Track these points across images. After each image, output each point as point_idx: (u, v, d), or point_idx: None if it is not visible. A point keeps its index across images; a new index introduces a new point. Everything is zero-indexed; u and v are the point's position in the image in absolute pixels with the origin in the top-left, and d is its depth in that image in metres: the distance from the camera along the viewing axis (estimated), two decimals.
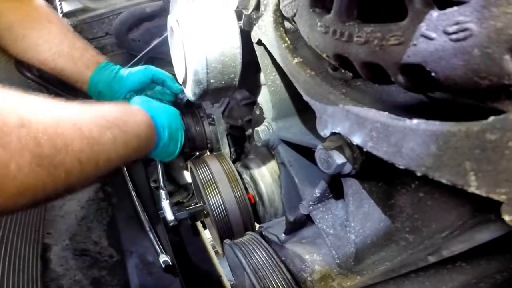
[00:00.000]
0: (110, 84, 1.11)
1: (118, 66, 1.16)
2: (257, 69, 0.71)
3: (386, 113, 0.34)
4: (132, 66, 1.44)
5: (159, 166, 1.19)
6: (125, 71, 1.15)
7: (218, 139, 1.50)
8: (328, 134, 0.44)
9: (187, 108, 1.51)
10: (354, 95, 0.43)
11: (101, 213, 1.16)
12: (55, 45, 1.08)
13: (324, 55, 0.42)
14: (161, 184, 1.16)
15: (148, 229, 1.09)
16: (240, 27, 0.66)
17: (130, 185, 1.23)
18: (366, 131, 0.36)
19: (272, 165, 1.22)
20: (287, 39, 0.53)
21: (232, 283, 1.29)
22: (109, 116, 0.71)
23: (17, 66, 1.21)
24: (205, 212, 1.21)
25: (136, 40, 1.63)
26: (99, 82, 1.11)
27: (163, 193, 1.15)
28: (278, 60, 0.55)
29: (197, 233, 1.54)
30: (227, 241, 0.80)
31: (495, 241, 0.32)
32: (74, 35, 1.14)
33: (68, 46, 1.10)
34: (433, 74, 0.28)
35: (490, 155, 0.25)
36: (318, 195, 0.60)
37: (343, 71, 0.47)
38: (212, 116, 1.50)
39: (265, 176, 1.21)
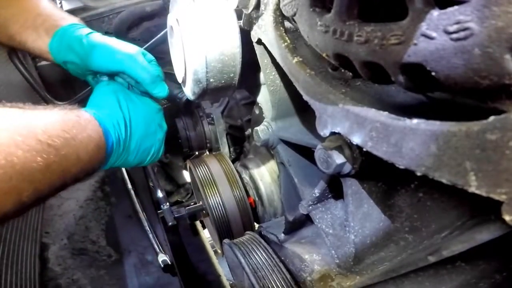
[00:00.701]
0: (78, 53, 0.87)
1: (90, 31, 0.92)
2: (257, 68, 0.71)
3: (386, 113, 0.34)
4: None
5: (150, 171, 1.16)
6: (101, 40, 0.88)
7: (217, 139, 1.50)
8: (327, 134, 0.44)
9: (186, 108, 1.51)
10: (354, 94, 0.43)
11: (100, 213, 1.15)
12: (22, 17, 0.93)
13: (324, 55, 0.42)
14: (159, 193, 1.15)
15: (147, 228, 1.09)
16: (240, 26, 0.66)
17: (128, 185, 1.23)
18: (365, 131, 0.36)
19: (272, 165, 1.22)
20: (287, 38, 0.53)
21: (231, 282, 1.29)
22: (46, 133, 0.55)
23: (10, 55, 1.17)
24: (204, 211, 1.21)
25: (136, 39, 1.63)
26: (61, 49, 0.89)
27: (161, 196, 1.15)
28: (278, 59, 0.55)
29: (196, 233, 1.54)
30: (226, 240, 0.80)
31: (495, 241, 0.32)
32: (45, 6, 0.96)
33: (33, 16, 0.92)
34: (433, 73, 0.28)
35: (491, 155, 0.25)
36: (317, 195, 0.60)
37: (343, 70, 0.47)
38: (212, 116, 1.50)
39: (265, 176, 1.21)
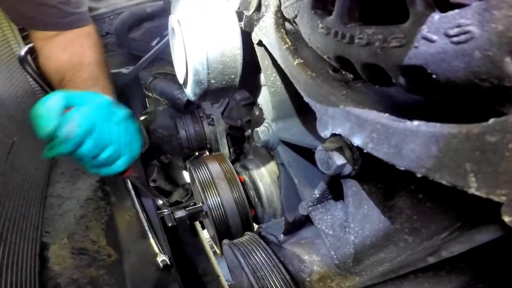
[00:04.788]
0: None
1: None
2: (258, 70, 0.71)
3: (387, 114, 0.34)
4: (136, 68, 1.45)
5: (141, 187, 1.16)
6: None
7: (217, 140, 1.50)
8: (328, 135, 0.44)
9: (186, 108, 1.51)
10: (355, 96, 0.43)
11: (100, 212, 1.15)
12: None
13: (325, 57, 0.42)
14: (159, 201, 1.17)
15: (146, 228, 1.09)
16: (241, 28, 0.66)
17: (129, 184, 1.23)
18: (366, 133, 0.36)
19: (271, 165, 1.22)
20: (288, 40, 0.53)
21: (230, 283, 1.29)
22: None
23: (21, 61, 1.21)
24: (204, 212, 1.21)
25: (137, 40, 1.64)
26: None
27: (160, 203, 1.17)
28: (279, 61, 0.55)
29: (196, 233, 1.54)
30: (226, 241, 0.80)
31: (495, 242, 0.32)
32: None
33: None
34: (434, 76, 0.28)
35: (490, 157, 0.25)
36: (317, 196, 0.60)
37: (344, 72, 0.47)
38: (212, 117, 1.50)
39: (264, 176, 1.21)
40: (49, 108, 0.73)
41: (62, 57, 1.10)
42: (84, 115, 0.76)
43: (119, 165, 0.89)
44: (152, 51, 1.43)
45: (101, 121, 0.80)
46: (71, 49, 1.11)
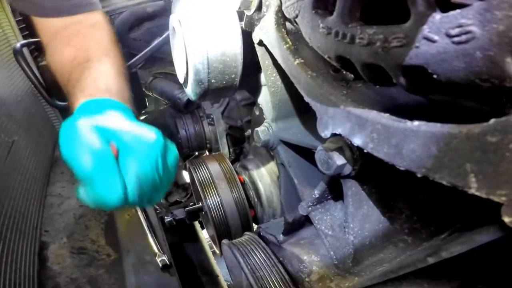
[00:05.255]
0: None
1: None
2: (258, 69, 0.71)
3: (387, 114, 0.34)
4: (132, 64, 1.44)
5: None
6: None
7: (217, 139, 1.50)
8: (328, 135, 0.44)
9: (186, 108, 1.51)
10: (355, 96, 0.43)
11: (99, 212, 1.15)
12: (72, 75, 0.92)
13: (325, 57, 0.42)
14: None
15: (146, 228, 1.09)
16: (241, 27, 0.66)
17: None
18: (366, 133, 0.36)
19: (271, 165, 1.22)
20: (288, 40, 0.53)
21: (229, 283, 1.29)
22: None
23: (15, 54, 1.20)
24: (203, 212, 1.22)
25: (137, 40, 1.64)
26: None
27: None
28: (279, 61, 0.55)
29: (195, 233, 1.54)
30: (225, 241, 0.80)
31: (495, 242, 0.32)
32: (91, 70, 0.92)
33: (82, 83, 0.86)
34: (434, 76, 0.28)
35: (491, 157, 0.25)
36: (317, 196, 0.60)
37: (344, 72, 0.47)
38: (212, 116, 1.50)
39: (264, 176, 1.21)
40: (96, 150, 0.55)
41: (66, 53, 0.99)
42: (139, 163, 0.60)
43: (156, 200, 0.74)
44: (147, 49, 1.42)
45: (156, 166, 0.63)
46: (75, 43, 0.99)
